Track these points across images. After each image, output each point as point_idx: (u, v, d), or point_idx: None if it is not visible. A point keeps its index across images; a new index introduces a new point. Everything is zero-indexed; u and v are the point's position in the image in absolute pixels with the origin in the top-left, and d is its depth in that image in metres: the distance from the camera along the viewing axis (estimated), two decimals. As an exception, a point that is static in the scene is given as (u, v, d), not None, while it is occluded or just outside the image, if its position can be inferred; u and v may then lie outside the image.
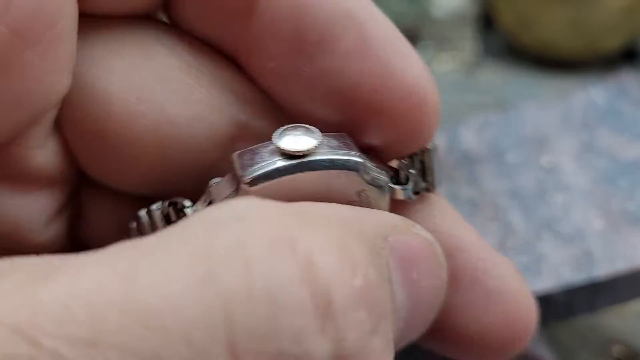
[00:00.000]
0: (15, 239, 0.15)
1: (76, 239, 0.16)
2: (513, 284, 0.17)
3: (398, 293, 0.12)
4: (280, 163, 0.12)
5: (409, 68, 0.14)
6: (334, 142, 0.13)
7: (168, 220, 0.14)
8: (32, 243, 0.15)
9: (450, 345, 0.17)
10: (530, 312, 0.17)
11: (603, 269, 0.28)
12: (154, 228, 0.14)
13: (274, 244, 0.10)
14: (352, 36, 0.14)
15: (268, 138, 0.13)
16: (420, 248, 0.13)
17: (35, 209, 0.15)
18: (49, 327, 0.08)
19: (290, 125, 0.13)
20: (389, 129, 0.15)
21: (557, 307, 0.28)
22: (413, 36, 0.69)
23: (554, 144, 0.36)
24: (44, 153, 0.14)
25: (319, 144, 0.13)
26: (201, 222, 0.10)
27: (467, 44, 0.65)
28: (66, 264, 0.09)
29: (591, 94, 0.39)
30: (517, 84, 0.60)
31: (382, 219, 0.13)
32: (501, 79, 0.62)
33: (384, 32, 0.14)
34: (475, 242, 0.17)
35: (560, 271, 0.28)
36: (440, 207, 0.17)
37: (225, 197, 0.13)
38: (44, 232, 0.15)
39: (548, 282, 0.28)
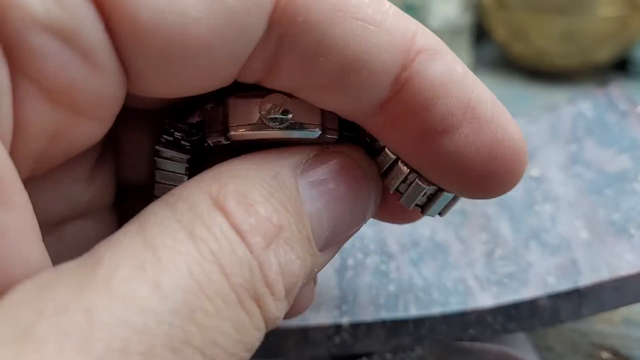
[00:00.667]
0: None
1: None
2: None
3: (316, 204, 0.16)
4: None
5: (512, 135, 0.17)
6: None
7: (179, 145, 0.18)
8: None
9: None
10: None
11: (588, 278, 0.29)
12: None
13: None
14: (470, 123, 0.16)
15: None
16: (334, 164, 0.17)
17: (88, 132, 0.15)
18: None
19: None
20: (484, 185, 0.18)
21: (543, 314, 0.29)
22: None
23: (543, 155, 0.37)
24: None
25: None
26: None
27: (463, 55, 0.66)
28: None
29: (580, 107, 0.40)
30: (510, 94, 0.61)
31: (296, 155, 0.16)
32: (495, 90, 0.62)
33: (492, 110, 0.17)
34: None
35: (547, 280, 0.29)
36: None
37: (215, 131, 0.17)
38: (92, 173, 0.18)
39: (535, 291, 0.29)
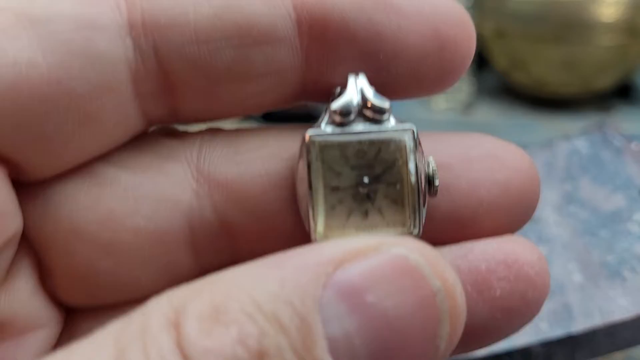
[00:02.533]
0: None
1: None
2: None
3: (344, 323, 0.12)
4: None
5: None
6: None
7: None
8: None
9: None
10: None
11: (581, 324, 0.29)
12: None
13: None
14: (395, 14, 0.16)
15: None
16: (378, 268, 0.13)
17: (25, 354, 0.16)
18: None
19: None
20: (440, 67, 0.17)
21: (537, 360, 0.29)
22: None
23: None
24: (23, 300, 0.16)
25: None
26: None
27: (464, 84, 0.66)
28: None
29: (575, 144, 0.41)
30: (512, 122, 0.62)
31: (325, 257, 0.13)
32: (496, 118, 0.63)
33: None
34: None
35: (540, 326, 0.30)
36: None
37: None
38: None
39: (528, 337, 0.29)
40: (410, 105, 0.68)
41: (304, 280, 0.12)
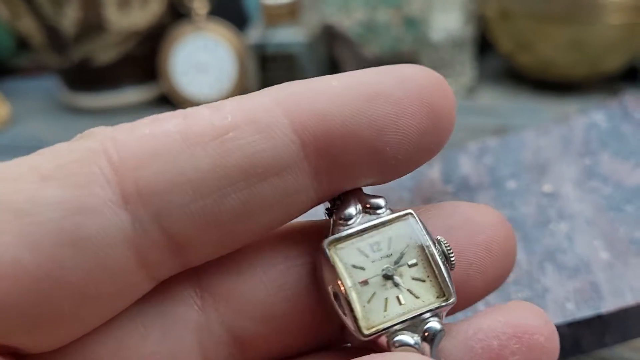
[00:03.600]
0: None
1: None
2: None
3: None
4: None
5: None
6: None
7: None
8: None
9: None
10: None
11: (611, 303, 0.27)
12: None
13: None
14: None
15: None
16: None
17: None
18: None
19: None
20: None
21: (563, 343, 0.27)
22: (411, 61, 0.69)
23: (555, 170, 0.35)
24: None
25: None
26: None
27: (466, 68, 0.64)
28: None
29: (593, 117, 0.38)
30: (516, 107, 0.60)
31: None
32: (500, 102, 0.61)
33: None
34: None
35: (566, 306, 0.27)
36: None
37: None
38: None
39: (553, 318, 0.27)
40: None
41: None
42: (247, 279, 0.17)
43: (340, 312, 0.16)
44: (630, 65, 0.63)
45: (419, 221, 0.17)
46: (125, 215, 0.14)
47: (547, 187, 0.34)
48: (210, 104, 0.16)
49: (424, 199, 0.35)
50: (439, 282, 0.17)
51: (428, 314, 0.16)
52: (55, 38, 0.67)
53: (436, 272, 0.17)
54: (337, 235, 0.17)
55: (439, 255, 0.17)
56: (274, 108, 0.16)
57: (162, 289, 0.17)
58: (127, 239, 0.15)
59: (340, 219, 0.17)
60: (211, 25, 0.67)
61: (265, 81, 0.66)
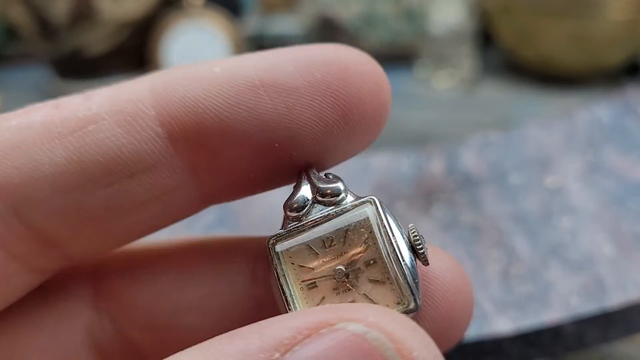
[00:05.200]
0: None
1: None
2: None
3: None
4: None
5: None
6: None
7: None
8: None
9: None
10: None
11: (615, 299, 0.26)
12: None
13: None
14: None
15: None
16: (332, 348, 0.11)
17: None
18: None
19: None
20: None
21: (567, 339, 0.26)
22: (411, 54, 0.68)
23: (558, 164, 0.35)
24: None
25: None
26: None
27: (466, 61, 0.64)
28: None
29: (595, 112, 0.38)
30: (518, 100, 0.59)
31: (272, 339, 0.11)
32: (501, 96, 0.61)
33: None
34: None
35: (570, 301, 0.27)
36: None
37: None
38: None
39: (557, 313, 0.26)
40: (409, 84, 0.65)
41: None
42: (147, 286, 0.16)
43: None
44: (632, 60, 0.62)
45: (381, 209, 0.14)
46: None
47: (550, 182, 0.34)
48: (87, 92, 0.15)
49: (425, 194, 0.34)
50: (399, 284, 0.14)
51: None
52: (46, 28, 0.66)
53: (397, 271, 0.14)
54: (282, 231, 0.15)
55: (401, 246, 0.14)
56: (145, 97, 0.14)
57: (57, 286, 0.16)
58: None
59: (290, 209, 0.15)
60: (206, 15, 0.66)
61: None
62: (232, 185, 0.16)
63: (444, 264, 0.15)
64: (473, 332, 0.26)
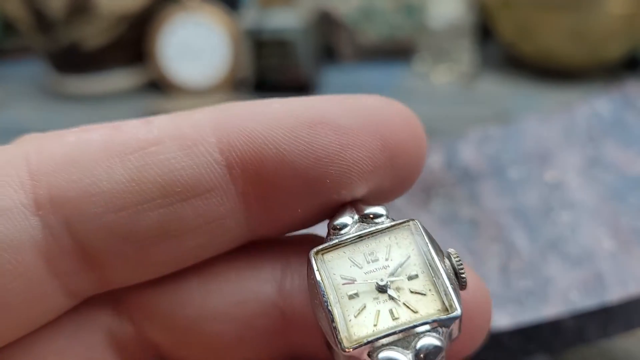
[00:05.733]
0: None
1: None
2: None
3: None
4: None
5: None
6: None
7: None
8: None
9: None
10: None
11: (615, 293, 0.26)
12: None
13: None
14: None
15: None
16: None
17: None
18: None
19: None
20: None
21: (567, 334, 0.26)
22: (410, 49, 0.68)
23: (558, 158, 0.35)
24: None
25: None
26: None
27: (465, 55, 0.63)
28: None
29: (595, 106, 0.38)
30: (517, 95, 0.59)
31: None
32: (501, 90, 0.60)
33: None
34: None
35: (569, 296, 0.27)
36: None
37: None
38: None
39: (556, 308, 0.26)
40: (408, 79, 0.65)
41: None
42: (170, 291, 0.16)
43: (323, 327, 0.15)
44: (632, 54, 0.62)
45: (422, 230, 0.15)
46: (35, 220, 0.14)
47: (549, 176, 0.33)
48: (145, 119, 0.15)
49: (424, 188, 0.34)
50: (441, 295, 0.14)
51: (423, 327, 0.14)
52: (43, 21, 0.65)
53: (438, 285, 0.14)
54: (325, 244, 0.15)
55: (447, 269, 0.15)
56: (206, 125, 0.15)
57: (82, 308, 0.16)
58: (37, 244, 0.14)
59: (334, 228, 0.16)
60: (204, 9, 0.66)
61: (260, 68, 0.65)
62: (279, 220, 0.16)
63: (471, 286, 0.16)
64: (472, 327, 0.26)
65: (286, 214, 0.16)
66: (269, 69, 0.64)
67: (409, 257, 0.15)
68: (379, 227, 0.15)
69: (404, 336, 0.14)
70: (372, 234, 0.15)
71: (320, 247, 0.15)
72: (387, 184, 0.16)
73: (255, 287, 0.16)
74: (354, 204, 0.16)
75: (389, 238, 0.15)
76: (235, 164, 0.15)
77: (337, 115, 0.15)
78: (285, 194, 0.15)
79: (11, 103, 0.67)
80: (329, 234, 0.16)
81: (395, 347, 0.14)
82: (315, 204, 0.16)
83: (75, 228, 0.14)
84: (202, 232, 0.15)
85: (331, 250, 0.15)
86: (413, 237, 0.15)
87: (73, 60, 0.68)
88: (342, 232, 0.16)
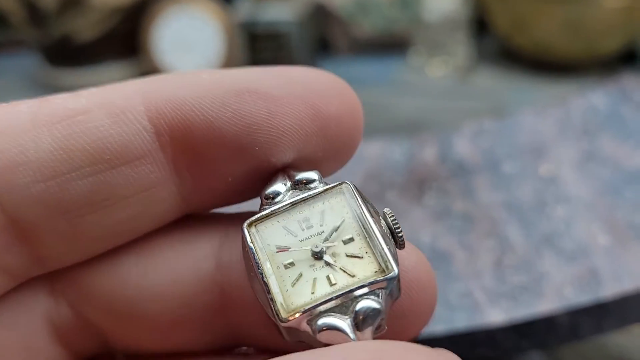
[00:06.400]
0: None
1: None
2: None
3: None
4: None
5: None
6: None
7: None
8: None
9: None
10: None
11: (609, 289, 0.26)
12: None
13: None
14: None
15: None
16: None
17: None
18: None
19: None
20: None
21: (561, 330, 0.26)
22: (405, 42, 0.67)
23: (553, 152, 0.34)
24: None
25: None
26: None
27: (460, 48, 0.63)
28: None
29: (591, 99, 0.37)
30: (512, 88, 0.58)
31: None
32: (496, 83, 0.60)
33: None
34: None
35: (564, 291, 0.26)
36: None
37: None
38: None
39: (551, 304, 0.26)
40: (403, 72, 0.64)
41: None
42: (106, 271, 0.16)
43: (260, 299, 0.15)
44: (628, 47, 0.62)
45: (355, 192, 0.15)
46: None
47: (544, 170, 0.33)
48: (75, 92, 0.15)
49: (418, 182, 0.34)
50: (377, 257, 0.14)
51: (361, 291, 0.14)
52: (35, 14, 0.64)
53: (374, 246, 0.14)
54: (258, 215, 0.15)
55: (382, 230, 0.15)
56: (134, 94, 0.15)
57: (18, 294, 0.16)
58: None
59: (266, 197, 0.16)
60: (198, 1, 0.65)
61: (255, 61, 0.64)
62: (212, 190, 0.16)
63: (411, 261, 0.16)
64: (465, 323, 0.25)
65: (217, 183, 0.16)
66: (263, 62, 0.63)
67: (344, 220, 0.15)
68: (311, 192, 0.15)
69: (342, 301, 0.14)
70: (305, 200, 0.15)
71: (253, 217, 0.15)
72: (320, 154, 0.16)
73: (193, 263, 0.16)
74: (286, 171, 0.16)
75: (323, 203, 0.15)
76: (164, 131, 0.15)
77: (265, 84, 0.15)
78: (215, 162, 0.15)
79: (4, 96, 0.66)
80: (262, 204, 0.16)
81: (333, 313, 0.14)
82: (246, 171, 0.16)
83: (4, 199, 0.14)
84: (133, 202, 0.15)
85: (264, 220, 0.15)
86: (346, 200, 0.15)
87: (66, 53, 0.68)
88: (276, 200, 0.15)
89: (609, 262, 0.27)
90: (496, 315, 0.25)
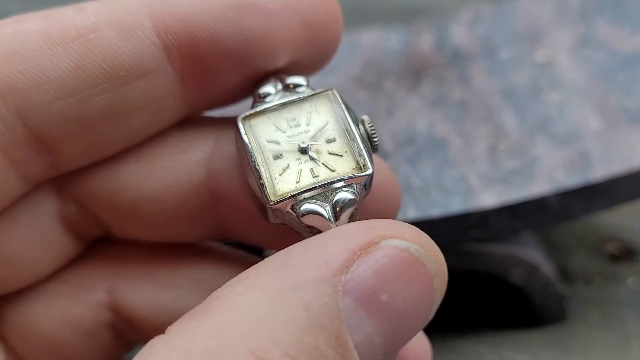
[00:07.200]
0: None
1: None
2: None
3: (366, 328, 0.13)
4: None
5: None
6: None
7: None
8: None
9: None
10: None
11: (599, 172, 0.27)
12: None
13: None
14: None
15: None
16: (386, 266, 0.13)
17: None
18: None
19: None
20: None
21: (551, 212, 0.27)
22: None
23: (549, 37, 0.34)
24: None
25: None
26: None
27: None
28: None
29: (590, -19, 0.36)
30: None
31: (334, 263, 0.13)
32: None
33: None
34: None
35: (555, 175, 0.27)
36: None
37: None
38: None
39: (542, 187, 0.27)
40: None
41: (326, 297, 0.12)
42: (108, 175, 0.18)
43: (252, 185, 0.17)
44: None
45: (339, 98, 0.17)
46: None
47: (540, 57, 0.33)
48: (75, 5, 0.16)
49: (414, 70, 0.33)
50: (355, 156, 0.16)
51: (340, 183, 0.16)
52: None
53: (353, 147, 0.16)
54: (252, 111, 0.17)
55: (361, 134, 0.17)
56: (139, 11, 0.16)
57: (33, 197, 0.18)
58: None
59: (259, 96, 0.17)
60: None
61: None
62: (213, 95, 0.18)
63: (379, 176, 0.17)
64: (459, 206, 0.26)
65: (219, 89, 0.18)
66: None
67: (328, 122, 0.17)
68: (300, 95, 0.17)
69: (323, 191, 0.16)
70: (294, 102, 0.17)
71: (247, 113, 0.17)
72: (307, 59, 0.18)
73: (186, 168, 0.18)
74: (277, 75, 0.18)
75: (310, 106, 0.17)
76: (172, 46, 0.16)
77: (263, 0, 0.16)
78: (218, 72, 0.17)
79: None
80: (254, 101, 0.18)
81: (315, 200, 0.16)
82: (244, 77, 0.17)
83: (28, 117, 0.15)
84: (145, 112, 0.17)
85: (257, 116, 0.17)
86: (331, 105, 0.17)
87: None
88: (267, 99, 0.17)
89: (599, 146, 0.28)
90: (490, 199, 0.26)
